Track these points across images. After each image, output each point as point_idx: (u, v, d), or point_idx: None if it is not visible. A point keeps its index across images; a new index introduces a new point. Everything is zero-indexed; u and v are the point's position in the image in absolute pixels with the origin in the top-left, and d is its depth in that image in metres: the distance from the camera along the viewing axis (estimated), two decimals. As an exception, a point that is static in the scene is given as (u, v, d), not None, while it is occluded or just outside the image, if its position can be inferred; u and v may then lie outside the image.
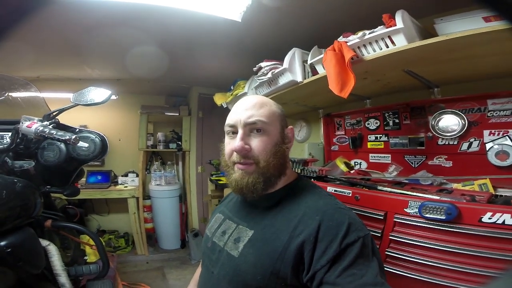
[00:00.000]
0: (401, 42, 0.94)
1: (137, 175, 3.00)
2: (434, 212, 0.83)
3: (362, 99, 1.72)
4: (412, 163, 1.45)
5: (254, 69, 1.57)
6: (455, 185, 1.18)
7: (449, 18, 0.90)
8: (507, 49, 0.84)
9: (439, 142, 1.33)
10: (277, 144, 0.66)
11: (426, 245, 0.87)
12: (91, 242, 1.49)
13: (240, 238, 0.64)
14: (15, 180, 0.93)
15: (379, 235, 0.98)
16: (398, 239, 0.93)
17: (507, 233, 0.73)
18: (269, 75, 1.47)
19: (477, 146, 1.21)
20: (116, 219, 3.12)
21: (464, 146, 1.25)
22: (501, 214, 0.75)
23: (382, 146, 1.60)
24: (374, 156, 1.65)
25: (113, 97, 3.04)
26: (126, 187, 2.89)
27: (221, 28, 1.45)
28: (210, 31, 1.50)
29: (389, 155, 1.57)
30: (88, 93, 1.11)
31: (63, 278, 0.94)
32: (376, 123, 1.62)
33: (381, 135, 1.60)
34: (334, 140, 1.92)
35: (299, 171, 1.58)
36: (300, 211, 0.60)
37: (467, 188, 1.11)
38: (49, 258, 0.94)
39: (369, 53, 1.05)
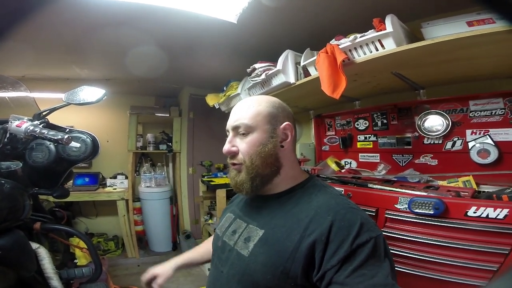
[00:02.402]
0: (390, 46, 0.98)
1: (126, 177, 2.94)
2: (423, 207, 0.88)
3: (352, 101, 1.77)
4: (400, 162, 1.51)
5: (248, 70, 1.59)
6: (440, 182, 1.25)
7: (435, 23, 0.95)
8: (488, 53, 0.90)
9: (425, 142, 1.39)
10: (262, 144, 0.66)
11: (415, 239, 0.91)
12: (81, 244, 1.45)
13: (250, 238, 0.64)
14: (2, 182, 0.90)
15: (370, 231, 1.02)
16: (390, 235, 0.97)
17: (491, 226, 0.78)
18: (263, 76, 1.49)
19: (460, 145, 1.27)
20: (105, 222, 3.04)
21: (448, 145, 1.31)
22: (484, 208, 0.80)
23: (371, 146, 1.65)
24: (364, 156, 1.70)
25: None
26: (115, 189, 2.82)
27: (216, 29, 1.46)
28: (205, 32, 1.50)
29: (378, 155, 1.62)
30: (80, 93, 1.09)
31: (55, 282, 0.91)
32: (365, 123, 1.67)
33: (370, 135, 1.65)
34: (325, 140, 1.97)
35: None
36: (312, 211, 0.60)
37: (452, 184, 1.18)
38: (39, 261, 0.92)
39: (360, 56, 1.09)
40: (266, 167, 0.66)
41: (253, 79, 1.57)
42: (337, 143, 1.85)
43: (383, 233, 0.97)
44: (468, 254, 0.81)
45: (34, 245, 0.94)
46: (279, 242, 0.59)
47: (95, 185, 2.80)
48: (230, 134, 0.69)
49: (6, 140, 1.03)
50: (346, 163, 1.79)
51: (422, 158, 1.42)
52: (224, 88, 1.96)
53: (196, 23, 1.40)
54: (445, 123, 1.30)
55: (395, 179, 1.35)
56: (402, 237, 0.94)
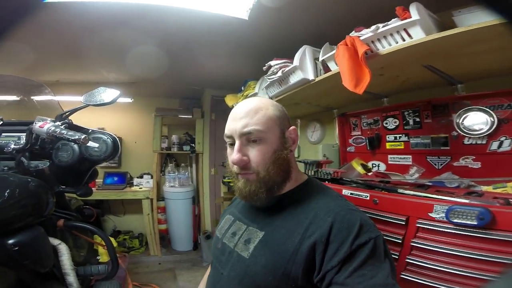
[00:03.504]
0: (418, 35, 0.87)
1: (152, 177, 3.04)
2: (464, 217, 0.75)
3: (379, 98, 1.63)
4: (435, 164, 1.36)
5: (264, 68, 1.53)
6: (484, 188, 1.08)
7: (468, 10, 0.83)
8: None
9: (465, 142, 1.23)
10: (276, 151, 0.64)
11: (453, 252, 0.79)
12: (104, 242, 1.50)
13: (250, 240, 0.64)
14: (29, 180, 0.94)
15: (400, 241, 0.91)
16: (421, 246, 0.86)
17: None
18: (279, 73, 1.43)
19: (509, 145, 1.10)
20: (131, 220, 3.18)
21: (494, 145, 1.14)
22: (542, 220, 0.66)
23: (402, 147, 1.50)
24: (394, 158, 1.56)
25: (128, 100, 3.12)
26: (140, 188, 2.93)
27: (229, 28, 1.44)
28: (219, 30, 1.49)
29: (410, 156, 1.47)
30: (98, 94, 1.12)
31: (71, 278, 0.94)
32: (395, 122, 1.53)
33: (400, 135, 1.51)
34: (350, 141, 1.84)
35: (312, 174, 1.52)
36: (311, 213, 0.60)
37: (499, 190, 1.01)
38: (59, 257, 0.95)
39: (384, 47, 0.98)
40: (281, 174, 0.65)
41: (269, 77, 1.52)
42: (364, 143, 1.72)
43: (414, 244, 0.88)
44: None
45: (56, 242, 0.97)
46: (280, 244, 0.59)
47: (123, 184, 2.93)
48: (238, 142, 0.63)
49: (33, 140, 1.09)
50: (374, 165, 1.66)
51: (462, 161, 1.25)
52: (242, 88, 1.93)
53: (211, 23, 1.39)
54: (489, 120, 1.13)
55: (430, 184, 1.21)
56: (437, 249, 0.82)
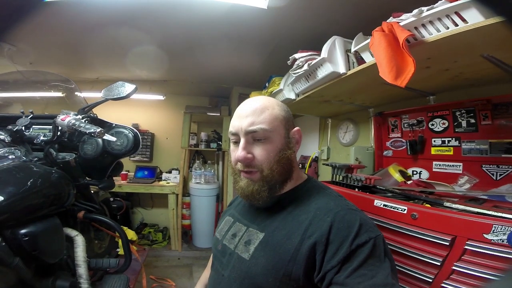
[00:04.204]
0: (475, 19, 0.70)
1: (179, 172, 3.10)
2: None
3: (425, 95, 1.42)
4: (493, 174, 1.12)
5: (289, 62, 1.42)
6: None
7: None
8: None
9: (537, 149, 0.99)
10: (281, 150, 0.65)
11: None
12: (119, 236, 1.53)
13: (250, 241, 0.64)
14: (52, 171, 0.98)
15: (438, 263, 0.76)
16: (465, 271, 0.69)
17: None
18: (305, 67, 1.31)
19: None
20: (158, 214, 3.29)
21: None
22: None
23: (451, 153, 1.28)
24: (440, 165, 1.34)
25: (160, 97, 3.22)
26: (168, 183, 3.01)
27: (248, 18, 1.36)
28: (239, 22, 1.43)
29: (461, 164, 1.25)
30: (116, 88, 1.13)
31: (82, 269, 0.94)
32: (444, 123, 1.31)
33: (450, 139, 1.29)
34: (388, 144, 1.64)
35: (340, 179, 1.37)
36: (311, 213, 0.60)
37: None
38: (74, 248, 0.96)
39: (431, 34, 0.81)
40: (284, 173, 0.66)
41: (294, 71, 1.40)
42: (404, 147, 1.51)
43: (456, 268, 0.71)
44: None
45: (74, 233, 0.99)
46: (280, 245, 0.59)
47: (152, 178, 3.04)
48: (243, 140, 0.64)
49: (59, 133, 1.13)
50: (415, 172, 1.45)
51: (530, 172, 1.01)
52: (266, 85, 1.84)
53: (230, 14, 1.34)
54: None
55: (486, 198, 0.99)
56: (484, 275, 0.65)
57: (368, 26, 1.08)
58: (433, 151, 1.35)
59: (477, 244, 0.70)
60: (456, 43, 0.81)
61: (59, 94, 1.31)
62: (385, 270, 0.50)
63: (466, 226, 0.73)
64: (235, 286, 0.62)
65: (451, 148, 1.28)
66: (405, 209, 0.89)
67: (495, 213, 0.72)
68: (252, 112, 0.64)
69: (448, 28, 0.79)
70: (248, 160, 0.63)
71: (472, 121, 1.19)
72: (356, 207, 0.62)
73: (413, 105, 1.46)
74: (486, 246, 0.68)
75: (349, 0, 1.23)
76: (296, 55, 1.36)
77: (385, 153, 1.65)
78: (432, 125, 1.35)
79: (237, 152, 0.64)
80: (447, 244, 0.75)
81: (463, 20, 0.75)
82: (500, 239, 0.65)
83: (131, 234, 2.30)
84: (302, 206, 0.63)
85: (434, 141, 1.34)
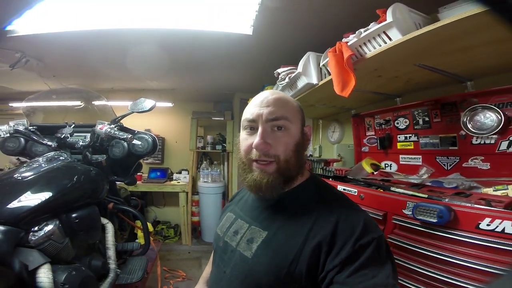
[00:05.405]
0: (396, 36, 0.91)
1: (188, 173, 3.40)
2: (426, 214, 0.79)
3: (393, 98, 1.62)
4: (444, 165, 1.32)
5: (275, 74, 1.67)
6: (485, 190, 1.05)
7: (452, 5, 0.84)
8: None
9: (474, 141, 1.18)
10: (298, 143, 0.64)
11: (420, 250, 0.82)
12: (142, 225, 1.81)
13: (253, 239, 0.63)
14: (91, 169, 1.23)
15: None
16: (396, 243, 0.90)
17: (505, 243, 0.65)
18: (287, 80, 1.55)
19: (519, 145, 1.04)
20: (170, 212, 3.60)
21: (503, 145, 1.08)
22: (500, 220, 0.68)
23: (412, 147, 1.48)
24: (405, 158, 1.54)
25: (169, 104, 3.53)
26: (178, 182, 3.31)
27: (237, 43, 1.63)
28: (231, 46, 1.70)
29: (420, 157, 1.44)
30: (140, 103, 1.40)
31: (111, 252, 1.17)
32: (406, 122, 1.51)
33: (410, 135, 1.49)
34: (364, 141, 1.85)
35: (320, 172, 1.61)
36: (314, 212, 0.60)
37: (498, 193, 0.98)
38: (105, 234, 1.19)
39: (371, 51, 1.04)
40: (298, 166, 0.65)
41: (280, 82, 1.65)
42: (376, 144, 1.72)
43: (390, 240, 0.92)
44: (476, 274, 0.69)
45: (104, 221, 1.22)
46: (283, 244, 0.58)
47: (164, 178, 3.35)
48: (261, 127, 0.62)
49: (95, 139, 1.40)
50: (386, 165, 1.65)
51: (471, 161, 1.20)
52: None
53: (224, 40, 1.61)
54: (497, 119, 1.08)
55: (429, 184, 1.20)
56: (406, 246, 0.86)
57: (334, 44, 1.32)
58: (399, 146, 1.55)
59: (399, 218, 0.91)
60: (389, 56, 1.01)
61: (93, 106, 1.63)
62: (386, 271, 0.50)
63: (392, 204, 0.94)
64: (236, 284, 0.62)
65: (412, 143, 1.48)
66: (356, 192, 1.11)
67: (408, 192, 0.93)
68: (274, 102, 0.63)
69: (380, 45, 1.00)
70: (267, 148, 0.61)
71: (427, 119, 1.38)
72: (360, 207, 0.62)
73: (385, 106, 1.67)
74: (404, 219, 0.89)
75: (318, 21, 1.46)
76: (279, 70, 1.60)
77: (363, 149, 1.85)
78: (397, 123, 1.55)
79: (254, 139, 0.61)
80: (381, 218, 0.97)
81: (389, 38, 0.96)
82: (410, 213, 0.86)
83: (148, 226, 2.61)
84: (306, 205, 0.63)
85: (399, 137, 1.55)
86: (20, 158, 2.03)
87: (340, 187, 1.22)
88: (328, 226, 0.55)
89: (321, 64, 1.37)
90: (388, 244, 0.55)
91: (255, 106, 0.65)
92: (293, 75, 1.52)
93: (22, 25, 1.49)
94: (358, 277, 0.49)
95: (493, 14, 0.27)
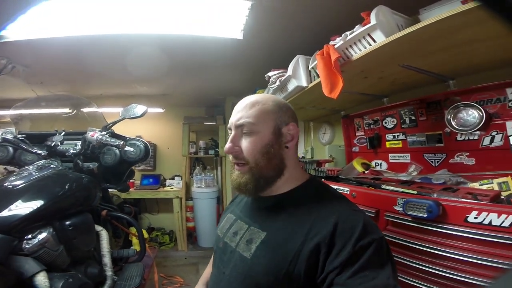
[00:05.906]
0: (379, 38, 0.95)
1: (181, 178, 3.37)
2: (416, 209, 0.82)
3: (380, 98, 1.67)
4: (432, 162, 1.36)
5: (266, 78, 1.69)
6: (471, 184, 1.09)
7: (432, 7, 0.88)
8: (492, 33, 0.79)
9: (458, 138, 1.23)
10: (267, 144, 0.65)
11: (412, 245, 0.85)
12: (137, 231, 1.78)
13: (252, 240, 0.64)
14: (83, 176, 1.21)
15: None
16: (389, 239, 0.92)
17: (492, 235, 0.68)
18: (278, 83, 1.58)
19: (501, 139, 1.09)
20: (164, 218, 3.56)
21: (486, 140, 1.13)
22: (487, 213, 0.70)
23: (400, 145, 1.53)
24: (394, 156, 1.58)
25: (160, 110, 3.51)
26: (172, 188, 3.28)
27: (229, 47, 1.65)
28: (222, 50, 1.72)
29: (408, 154, 1.49)
30: (131, 109, 1.39)
31: (107, 259, 1.16)
32: (393, 121, 1.56)
33: (398, 134, 1.53)
34: (355, 141, 1.89)
35: (312, 173, 1.63)
36: (313, 213, 0.60)
37: (484, 187, 1.02)
38: (100, 241, 1.18)
39: (356, 53, 1.07)
40: (271, 168, 0.66)
41: (271, 86, 1.67)
42: (366, 143, 1.76)
43: (385, 236, 0.94)
44: (465, 266, 0.72)
45: (99, 228, 1.20)
46: (282, 245, 0.59)
47: (157, 185, 3.32)
48: (233, 133, 0.67)
49: (86, 146, 1.37)
50: (377, 164, 1.69)
51: (457, 157, 1.25)
52: (252, 96, 2.12)
53: (215, 45, 1.63)
54: (479, 115, 1.13)
55: (418, 181, 1.23)
56: (399, 241, 0.88)
57: (322, 47, 1.35)
58: (388, 145, 1.60)
59: (391, 214, 0.93)
60: (374, 58, 1.04)
61: (84, 113, 1.61)
62: (386, 272, 0.50)
63: (383, 201, 0.97)
64: (236, 284, 0.62)
65: (400, 141, 1.52)
66: (348, 190, 1.14)
67: (398, 189, 0.96)
68: (243, 107, 0.67)
69: (366, 47, 1.03)
70: (235, 152, 0.66)
71: (413, 118, 1.43)
72: (359, 208, 0.63)
73: (374, 106, 1.71)
74: (396, 216, 0.91)
75: (307, 24, 1.50)
76: (270, 73, 1.63)
77: (353, 149, 1.89)
78: (385, 123, 1.59)
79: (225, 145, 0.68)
80: (373, 215, 0.99)
81: (374, 40, 0.99)
82: (401, 209, 0.88)
83: (144, 232, 2.57)
84: (305, 206, 0.63)
85: (388, 136, 1.59)
86: (7, 167, 1.97)
87: (333, 186, 1.24)
88: (327, 227, 0.55)
89: (310, 67, 1.40)
90: (388, 246, 0.55)
91: (232, 113, 0.70)
92: (283, 78, 1.55)
93: (10, 31, 1.47)
94: (358, 278, 0.49)
95: (490, 12, 0.27)
